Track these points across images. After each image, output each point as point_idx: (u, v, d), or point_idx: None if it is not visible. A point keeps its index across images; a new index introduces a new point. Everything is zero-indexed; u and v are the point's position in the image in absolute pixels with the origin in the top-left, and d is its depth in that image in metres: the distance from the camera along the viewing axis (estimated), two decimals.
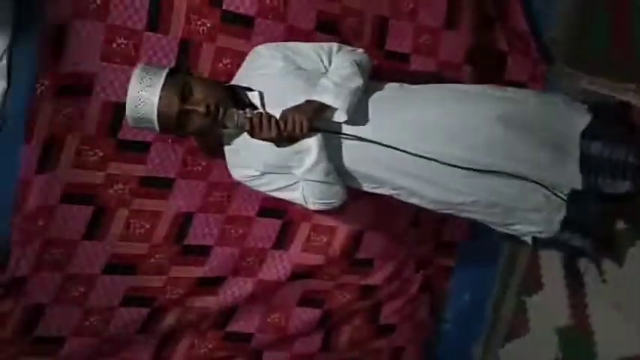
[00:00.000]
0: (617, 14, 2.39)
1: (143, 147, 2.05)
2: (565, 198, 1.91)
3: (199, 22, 1.96)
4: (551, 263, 2.56)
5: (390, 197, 1.99)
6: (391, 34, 2.26)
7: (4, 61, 1.90)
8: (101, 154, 2.01)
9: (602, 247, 2.26)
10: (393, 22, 2.26)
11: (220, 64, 2.00)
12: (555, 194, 1.89)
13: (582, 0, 2.53)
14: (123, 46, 1.92)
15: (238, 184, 2.14)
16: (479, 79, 2.37)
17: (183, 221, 2.19)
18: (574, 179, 1.89)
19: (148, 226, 2.16)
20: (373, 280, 2.57)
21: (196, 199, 2.18)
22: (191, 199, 2.17)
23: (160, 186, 2.12)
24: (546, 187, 1.88)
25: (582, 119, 1.94)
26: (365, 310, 2.66)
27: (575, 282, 2.45)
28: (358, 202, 2.24)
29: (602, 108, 2.07)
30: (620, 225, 2.29)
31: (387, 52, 2.27)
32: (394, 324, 2.73)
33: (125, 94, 1.83)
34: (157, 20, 1.93)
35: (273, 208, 2.28)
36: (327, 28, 2.11)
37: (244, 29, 2.00)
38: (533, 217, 1.96)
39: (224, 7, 1.97)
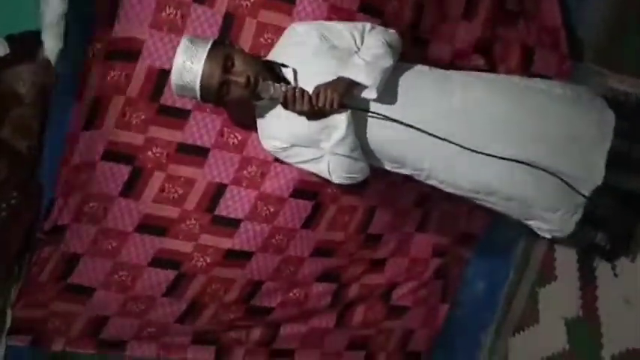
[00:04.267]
0: None
1: (183, 114, 2.15)
2: (585, 195, 1.94)
3: None
4: (567, 255, 2.60)
5: (396, 177, 2.06)
6: (424, 21, 2.32)
7: (62, 24, 2.03)
8: (143, 117, 2.12)
9: (618, 243, 2.30)
10: (427, 8, 2.32)
11: (261, 39, 2.09)
12: (574, 190, 1.92)
13: (616, 2, 2.58)
14: (171, 15, 2.03)
15: (272, 162, 2.24)
16: (491, 70, 2.41)
17: (216, 191, 2.27)
18: (596, 173, 1.93)
19: (181, 192, 2.24)
20: (381, 253, 2.65)
21: (230, 171, 2.25)
22: (225, 171, 2.25)
23: (195, 154, 2.21)
24: (566, 183, 1.91)
25: (608, 115, 1.98)
26: (380, 288, 2.74)
27: (587, 275, 2.50)
28: (372, 181, 2.31)
29: (627, 105, 2.10)
30: (636, 225, 2.33)
31: (416, 38, 2.33)
32: (407, 306, 2.80)
33: (170, 61, 1.95)
34: None
35: (306, 190, 2.33)
36: (370, 11, 2.16)
37: (287, 5, 2.08)
38: (549, 216, 2.01)
39: None
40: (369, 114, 1.85)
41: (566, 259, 2.61)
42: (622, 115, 2.02)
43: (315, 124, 1.85)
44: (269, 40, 2.09)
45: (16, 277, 2.20)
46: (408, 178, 2.10)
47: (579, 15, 2.60)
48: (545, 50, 2.55)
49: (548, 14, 2.55)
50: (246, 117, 2.13)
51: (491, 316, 2.92)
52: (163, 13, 2.02)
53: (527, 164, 1.88)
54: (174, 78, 1.81)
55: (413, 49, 2.27)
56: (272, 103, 1.90)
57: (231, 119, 2.18)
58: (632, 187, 2.10)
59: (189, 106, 2.15)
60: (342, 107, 1.79)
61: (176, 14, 2.03)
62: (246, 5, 2.06)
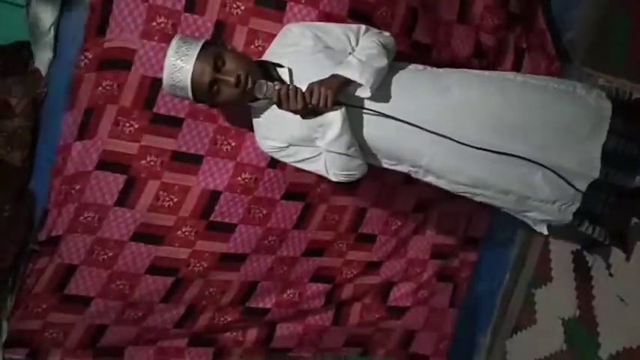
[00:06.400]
0: (638, 15, 2.44)
1: (176, 122, 2.16)
2: (580, 189, 1.96)
3: (234, 5, 2.06)
4: (562, 256, 2.61)
5: (393, 177, 2.06)
6: (420, 25, 2.32)
7: (52, 34, 2.04)
8: (136, 125, 2.12)
9: (613, 240, 2.30)
10: (421, 12, 2.32)
11: (252, 46, 2.09)
12: (570, 184, 1.94)
13: (603, 3, 2.60)
14: (162, 24, 2.04)
15: (265, 167, 2.27)
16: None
17: (210, 198, 2.28)
18: (593, 166, 1.93)
19: (176, 200, 2.25)
20: (377, 256, 2.66)
21: (224, 177, 2.27)
22: (219, 178, 2.27)
23: (189, 162, 2.22)
24: (562, 178, 1.92)
25: (604, 110, 1.99)
26: (375, 288, 2.74)
27: (583, 275, 2.50)
28: (365, 180, 2.29)
29: (618, 103, 2.10)
30: (631, 220, 2.34)
31: (413, 42, 2.33)
32: (406, 306, 2.79)
33: (162, 70, 1.95)
34: (194, 2, 2.04)
35: (297, 191, 2.36)
36: (360, 16, 2.16)
37: (277, 13, 2.08)
38: (546, 207, 2.01)
39: None
40: (364, 111, 1.86)
41: (562, 260, 2.61)
42: (614, 112, 2.02)
43: (310, 123, 1.85)
44: (260, 48, 2.09)
45: (11, 289, 2.20)
46: (406, 181, 2.09)
47: (566, 18, 2.62)
48: (534, 52, 2.56)
49: (535, 17, 2.57)
50: (242, 119, 2.13)
51: (488, 318, 2.93)
52: (154, 23, 2.03)
53: (524, 158, 1.89)
54: (165, 77, 1.81)
55: (412, 52, 2.27)
56: (267, 104, 1.90)
57: (227, 121, 2.19)
58: (625, 184, 2.10)
59: (182, 115, 2.16)
60: (336, 105, 1.79)
61: (167, 23, 2.04)
62: (237, 13, 2.07)
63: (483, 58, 2.48)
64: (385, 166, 2.03)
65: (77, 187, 2.14)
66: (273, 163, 2.27)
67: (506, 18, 2.49)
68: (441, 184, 2.04)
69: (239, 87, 1.78)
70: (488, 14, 2.46)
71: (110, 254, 2.28)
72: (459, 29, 2.43)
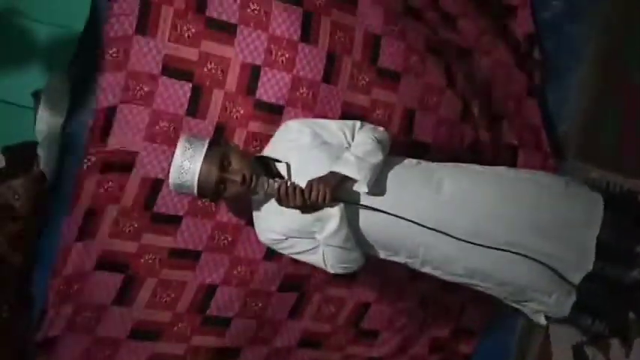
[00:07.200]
0: (627, 110, 2.52)
1: (175, 220, 2.19)
2: (574, 282, 1.97)
3: (234, 110, 2.15)
4: (562, 349, 2.58)
5: (399, 274, 2.07)
6: (418, 125, 2.41)
7: (57, 138, 2.10)
8: (136, 225, 2.16)
9: (612, 333, 2.29)
10: (420, 114, 2.41)
11: (251, 147, 2.16)
12: (564, 278, 1.95)
13: (594, 97, 2.68)
14: (164, 128, 2.11)
15: (260, 260, 2.29)
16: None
17: (206, 293, 2.30)
18: (587, 258, 1.95)
19: (173, 295, 2.27)
20: (378, 352, 2.64)
21: (220, 271, 2.29)
22: (215, 272, 2.29)
23: (187, 258, 2.24)
24: (556, 272, 1.94)
25: (597, 202, 2.02)
26: None
27: None
28: (367, 275, 2.35)
29: (609, 196, 2.12)
30: (630, 315, 2.34)
31: (412, 141, 2.41)
32: None
33: (163, 171, 2.01)
34: (196, 107, 2.12)
35: (292, 282, 2.38)
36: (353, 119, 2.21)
37: (274, 116, 2.16)
38: (543, 299, 2.02)
39: (257, 96, 2.15)
40: (361, 206, 1.89)
41: (563, 354, 2.58)
42: (606, 206, 2.04)
43: (309, 217, 1.88)
44: (257, 148, 2.16)
45: None
46: (410, 277, 2.10)
47: (560, 115, 2.70)
48: (528, 149, 2.62)
49: (530, 114, 2.65)
50: (239, 213, 2.19)
51: None
52: (157, 127, 2.10)
53: (517, 253, 1.91)
54: (172, 178, 1.85)
55: (410, 151, 2.32)
56: (267, 198, 1.94)
57: (225, 216, 2.23)
58: (620, 277, 2.10)
59: (181, 213, 2.19)
60: (334, 201, 1.83)
61: (169, 127, 2.11)
62: (237, 117, 2.15)
63: (479, 155, 2.54)
64: (382, 256, 2.04)
65: (76, 287, 2.16)
66: (269, 256, 2.30)
67: (490, 119, 2.57)
68: (439, 274, 2.05)
69: (244, 185, 1.83)
70: (481, 112, 2.55)
71: (107, 352, 2.27)
72: (458, 127, 2.50)
